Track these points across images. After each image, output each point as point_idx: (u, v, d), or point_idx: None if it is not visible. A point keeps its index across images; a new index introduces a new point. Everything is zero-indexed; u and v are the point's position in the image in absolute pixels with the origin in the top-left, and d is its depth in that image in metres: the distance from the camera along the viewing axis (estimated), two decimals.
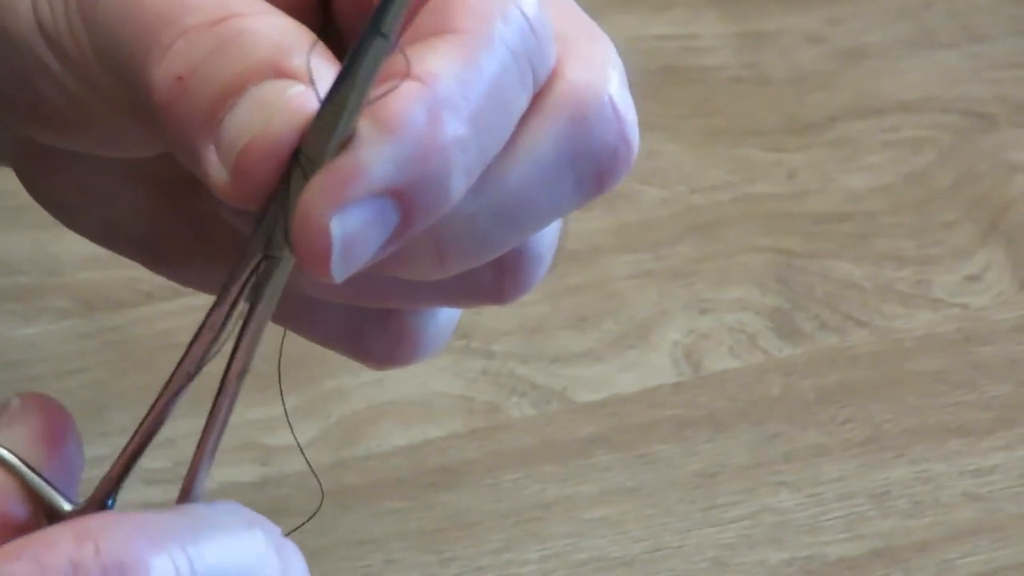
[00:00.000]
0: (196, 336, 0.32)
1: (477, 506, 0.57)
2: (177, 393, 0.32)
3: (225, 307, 0.31)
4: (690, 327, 0.63)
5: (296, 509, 0.56)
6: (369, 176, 0.30)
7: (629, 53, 0.71)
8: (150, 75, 0.32)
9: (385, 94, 0.30)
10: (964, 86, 0.72)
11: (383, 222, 0.30)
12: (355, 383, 0.60)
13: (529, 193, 0.33)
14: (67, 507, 0.32)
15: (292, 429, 0.54)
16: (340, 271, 0.30)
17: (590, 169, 0.33)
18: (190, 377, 0.32)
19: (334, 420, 0.59)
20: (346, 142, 0.30)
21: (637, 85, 0.70)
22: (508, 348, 0.61)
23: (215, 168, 0.31)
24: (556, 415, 0.60)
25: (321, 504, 0.56)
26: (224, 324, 0.32)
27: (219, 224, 0.37)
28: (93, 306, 0.60)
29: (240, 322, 0.32)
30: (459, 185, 0.31)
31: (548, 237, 0.35)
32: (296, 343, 0.60)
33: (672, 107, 0.69)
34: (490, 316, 0.62)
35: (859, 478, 0.60)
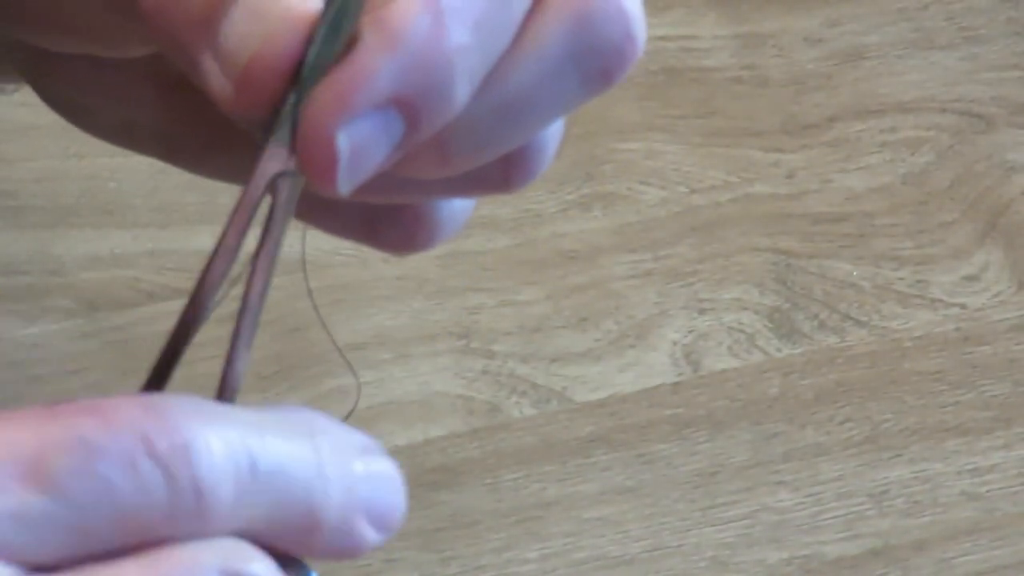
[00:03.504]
0: (210, 263, 0.31)
1: (477, 506, 0.58)
2: (191, 326, 0.31)
3: (238, 228, 0.31)
4: (689, 327, 0.63)
5: None
6: (374, 87, 0.30)
7: None
8: None
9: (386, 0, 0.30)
10: (962, 87, 0.72)
11: (388, 132, 0.30)
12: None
13: (533, 94, 0.32)
14: None
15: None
16: (346, 184, 0.30)
17: (595, 67, 0.33)
18: (204, 308, 0.31)
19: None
20: (347, 49, 0.30)
21: (637, 86, 0.70)
22: (508, 348, 0.61)
23: (216, 79, 0.31)
24: (556, 415, 0.60)
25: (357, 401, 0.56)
26: (238, 246, 0.31)
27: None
28: (95, 306, 0.60)
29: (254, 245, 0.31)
30: (464, 91, 0.31)
31: (553, 127, 0.35)
32: (297, 343, 0.60)
33: (672, 107, 0.69)
34: (490, 316, 0.62)
35: (858, 477, 0.60)
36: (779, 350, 0.63)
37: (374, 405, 0.59)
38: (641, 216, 0.66)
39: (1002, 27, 0.74)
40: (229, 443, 0.28)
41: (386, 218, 0.34)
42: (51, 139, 0.62)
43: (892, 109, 0.71)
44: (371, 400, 0.59)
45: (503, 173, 0.35)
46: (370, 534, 0.30)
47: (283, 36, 0.30)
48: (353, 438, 0.31)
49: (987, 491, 0.60)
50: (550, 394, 0.61)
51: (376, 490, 0.30)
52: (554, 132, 0.35)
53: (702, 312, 0.63)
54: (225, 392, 0.31)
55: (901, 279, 0.65)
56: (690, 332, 0.63)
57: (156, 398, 0.28)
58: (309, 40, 0.30)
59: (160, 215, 0.62)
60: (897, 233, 0.67)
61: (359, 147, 0.30)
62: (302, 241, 0.38)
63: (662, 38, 0.72)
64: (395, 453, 0.58)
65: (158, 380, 0.31)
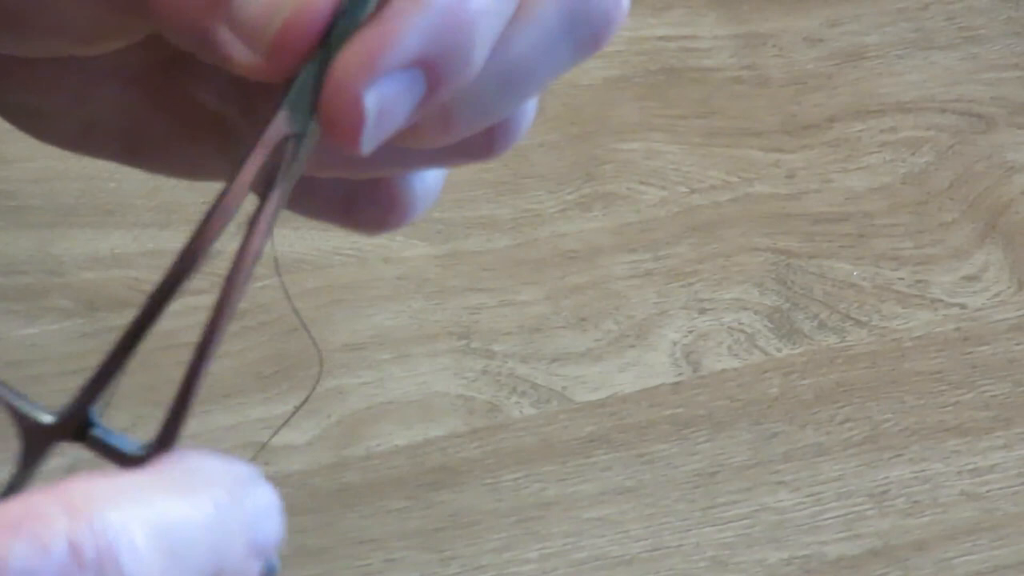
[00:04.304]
0: (206, 220, 0.30)
1: (477, 505, 0.58)
2: (177, 284, 0.31)
3: (239, 190, 0.30)
4: (689, 327, 0.63)
5: (296, 508, 0.56)
6: (402, 47, 0.30)
7: (629, 54, 0.72)
8: None
9: None
10: (962, 87, 0.72)
11: (412, 92, 0.31)
12: (355, 383, 0.60)
13: (533, 60, 0.33)
14: (46, 418, 0.31)
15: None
16: (370, 143, 0.31)
17: (587, 32, 0.34)
18: (195, 265, 0.31)
19: (334, 420, 0.59)
20: (374, 12, 0.30)
21: (637, 86, 0.70)
22: (508, 348, 0.61)
23: (237, 48, 0.31)
24: (556, 415, 0.60)
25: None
26: (236, 209, 0.31)
27: (197, 108, 0.37)
28: (95, 306, 0.60)
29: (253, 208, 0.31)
30: (481, 55, 0.31)
31: None
32: (296, 343, 0.60)
33: (672, 107, 0.69)
34: (490, 316, 0.62)
35: (858, 477, 0.60)
36: (779, 350, 0.63)
37: (374, 405, 0.59)
38: (641, 216, 0.66)
39: (1002, 27, 0.74)
40: (147, 527, 0.28)
41: (363, 196, 0.34)
42: None
43: (892, 109, 0.71)
44: (371, 400, 0.59)
45: (488, 139, 0.36)
46: (256, 568, 0.31)
47: (314, 3, 0.30)
48: (237, 472, 0.31)
49: (987, 491, 0.60)
50: (550, 394, 0.61)
51: (263, 524, 0.31)
52: (534, 99, 0.36)
53: (702, 312, 0.64)
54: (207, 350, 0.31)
55: (901, 279, 0.65)
56: (690, 332, 0.63)
57: (71, 491, 0.28)
58: (340, 5, 0.30)
59: (160, 215, 0.62)
60: (897, 233, 0.67)
61: (384, 106, 0.30)
62: (271, 241, 0.38)
63: (662, 38, 0.72)
64: (395, 453, 0.58)
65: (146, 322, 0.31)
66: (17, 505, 0.28)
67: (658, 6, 0.73)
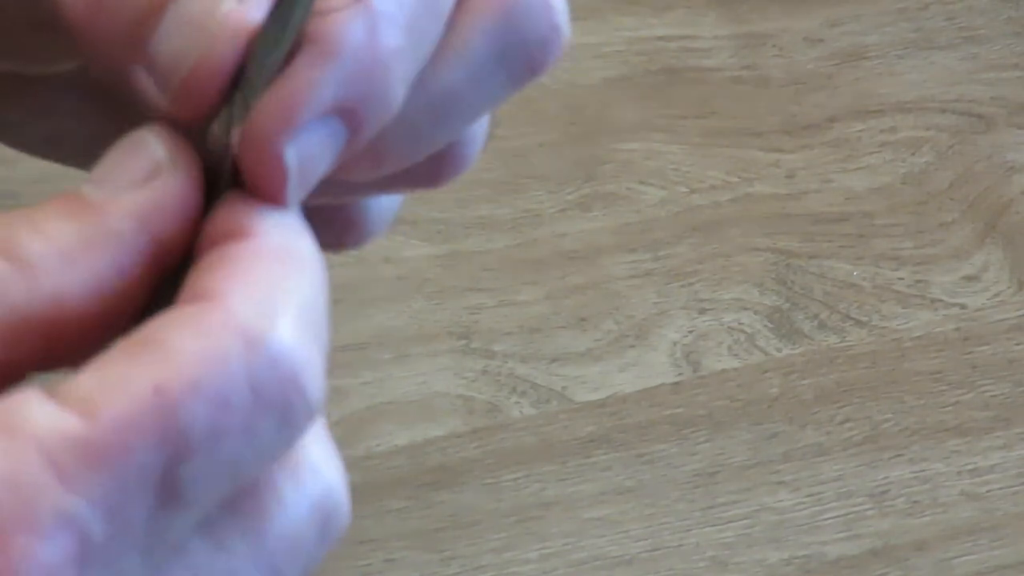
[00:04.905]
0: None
1: (477, 506, 0.58)
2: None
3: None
4: (689, 327, 0.63)
5: None
6: (316, 98, 0.30)
7: (629, 53, 0.72)
8: None
9: (321, 11, 0.30)
10: (962, 87, 0.72)
11: (333, 140, 0.30)
12: (355, 383, 0.60)
13: (462, 91, 0.33)
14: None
15: None
16: (295, 196, 0.30)
17: (521, 61, 0.33)
18: None
19: (334, 420, 0.59)
20: (285, 61, 0.30)
21: (637, 86, 0.70)
22: (508, 348, 0.61)
23: (152, 91, 0.31)
24: (556, 415, 0.60)
25: None
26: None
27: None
28: None
29: None
30: (400, 94, 0.31)
31: (480, 121, 0.35)
32: None
33: (672, 107, 0.69)
34: (490, 316, 0.62)
35: (858, 477, 0.60)
36: (779, 350, 0.63)
37: (374, 405, 0.59)
38: (641, 216, 0.66)
39: (1002, 27, 0.74)
40: (303, 326, 0.29)
41: (317, 220, 0.34)
42: None
43: (892, 109, 0.71)
44: (371, 400, 0.59)
45: (432, 169, 0.35)
46: None
47: (223, 47, 0.30)
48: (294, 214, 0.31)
49: (987, 491, 0.60)
50: (550, 394, 0.61)
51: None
52: (481, 126, 0.35)
53: (702, 312, 0.64)
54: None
55: (901, 279, 0.65)
56: (690, 332, 0.63)
57: (234, 307, 0.28)
58: (251, 49, 0.30)
59: None
60: (897, 233, 0.67)
61: (306, 159, 0.30)
62: None
63: (662, 38, 0.72)
64: (395, 453, 0.58)
65: None
66: (193, 342, 0.27)
67: (658, 6, 0.73)
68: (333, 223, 0.38)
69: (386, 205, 0.38)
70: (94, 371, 0.26)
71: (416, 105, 0.32)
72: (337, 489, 0.30)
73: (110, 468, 0.26)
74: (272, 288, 0.28)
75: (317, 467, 0.30)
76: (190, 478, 0.26)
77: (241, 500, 0.28)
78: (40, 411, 0.26)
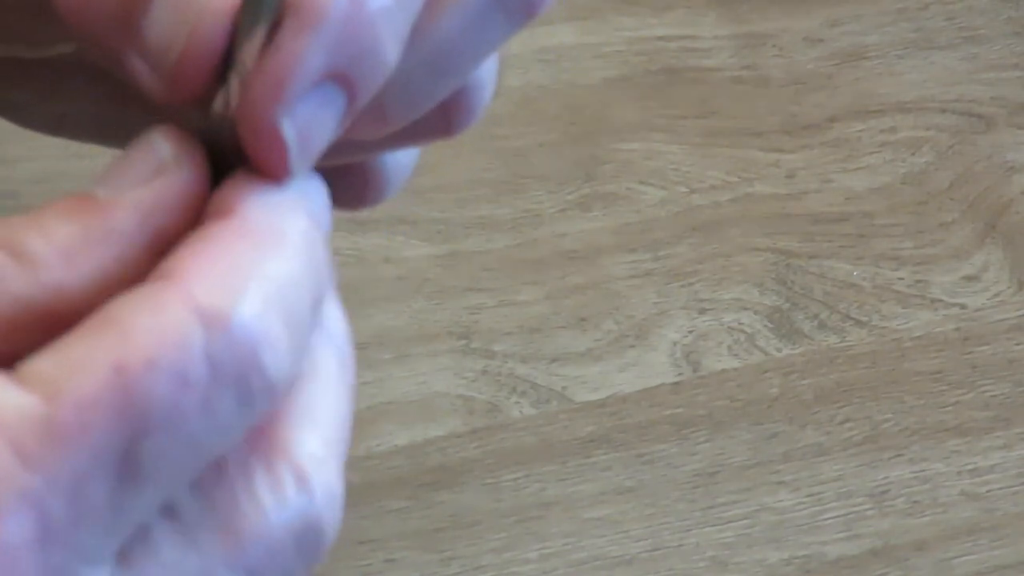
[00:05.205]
0: None
1: (477, 506, 0.58)
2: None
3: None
4: (689, 327, 0.63)
5: None
6: (306, 68, 0.29)
7: (629, 53, 0.72)
8: None
9: None
10: (962, 87, 0.72)
11: (331, 106, 0.30)
12: (355, 383, 0.60)
13: (460, 40, 0.32)
14: None
15: None
16: (300, 166, 0.30)
17: (518, 2, 0.33)
18: None
19: None
20: (272, 32, 0.30)
21: (637, 86, 0.70)
22: (508, 348, 0.61)
23: (145, 75, 0.31)
24: (556, 415, 0.60)
25: None
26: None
27: None
28: None
29: None
30: (393, 51, 0.30)
31: (488, 64, 0.35)
32: None
33: (672, 107, 0.69)
34: (490, 316, 0.62)
35: (858, 477, 0.60)
36: (779, 350, 0.63)
37: (374, 405, 0.59)
38: (641, 216, 0.66)
39: (1002, 27, 0.74)
40: (269, 304, 0.28)
41: (334, 179, 0.34)
42: (51, 139, 0.62)
43: (892, 109, 0.71)
44: (371, 400, 0.59)
45: (443, 119, 0.35)
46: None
47: (210, 28, 0.30)
48: (303, 189, 0.31)
49: (987, 491, 0.60)
50: (550, 394, 0.61)
51: (326, 216, 0.31)
52: (489, 68, 0.35)
53: (702, 312, 0.64)
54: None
55: (901, 279, 0.65)
56: (690, 332, 0.63)
57: (192, 286, 0.27)
58: (235, 26, 0.30)
59: None
60: (897, 233, 0.67)
61: (305, 128, 0.30)
62: None
63: (662, 38, 0.72)
64: (395, 453, 0.58)
65: None
66: (150, 320, 0.27)
67: (658, 6, 0.73)
68: (351, 182, 0.38)
69: (403, 160, 0.38)
70: (54, 352, 0.27)
71: (414, 59, 0.32)
72: (322, 503, 0.30)
73: (71, 447, 0.26)
74: (238, 266, 0.28)
75: (305, 477, 0.30)
76: (150, 455, 0.26)
77: (212, 492, 0.28)
78: (1, 393, 0.26)
